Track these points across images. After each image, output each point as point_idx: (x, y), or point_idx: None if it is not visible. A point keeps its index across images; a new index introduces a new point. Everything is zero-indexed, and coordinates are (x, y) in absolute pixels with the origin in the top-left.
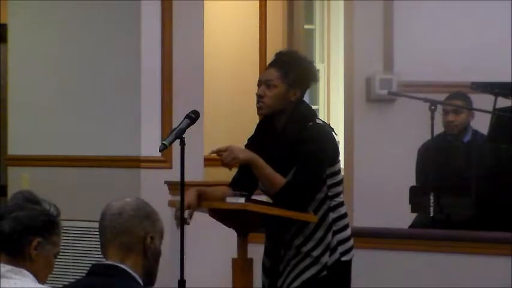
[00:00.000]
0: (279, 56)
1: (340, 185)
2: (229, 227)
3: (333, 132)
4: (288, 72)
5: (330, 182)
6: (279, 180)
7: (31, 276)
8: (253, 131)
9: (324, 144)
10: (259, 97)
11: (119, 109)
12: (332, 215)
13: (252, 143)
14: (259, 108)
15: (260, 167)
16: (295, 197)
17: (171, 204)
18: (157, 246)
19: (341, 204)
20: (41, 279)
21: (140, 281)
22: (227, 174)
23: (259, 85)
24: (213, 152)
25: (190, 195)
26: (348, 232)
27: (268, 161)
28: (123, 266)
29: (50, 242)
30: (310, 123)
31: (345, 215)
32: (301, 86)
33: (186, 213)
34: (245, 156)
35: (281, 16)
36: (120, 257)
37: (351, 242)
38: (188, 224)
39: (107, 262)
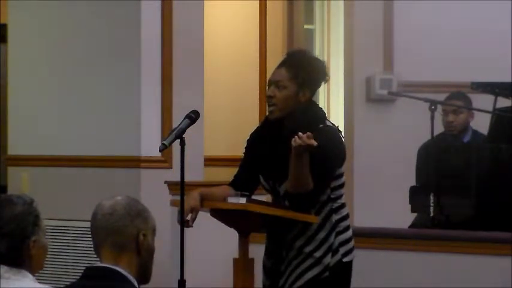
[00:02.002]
0: (289, 55)
1: (343, 188)
2: (231, 227)
3: (341, 135)
4: (298, 73)
5: (333, 184)
6: (311, 180)
7: (30, 276)
8: (258, 125)
9: (335, 147)
10: (270, 97)
11: (119, 109)
12: (335, 217)
13: (255, 139)
14: (271, 112)
15: (306, 157)
16: (312, 199)
17: (173, 203)
18: (150, 243)
19: (343, 205)
20: (41, 266)
21: (135, 282)
22: (227, 174)
23: (268, 85)
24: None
25: (193, 199)
26: (349, 233)
27: (272, 159)
28: (117, 268)
29: (41, 231)
30: (321, 125)
31: (346, 216)
32: (310, 86)
33: (189, 216)
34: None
35: (281, 16)
36: (114, 256)
37: (352, 243)
38: (191, 226)
39: (101, 265)
